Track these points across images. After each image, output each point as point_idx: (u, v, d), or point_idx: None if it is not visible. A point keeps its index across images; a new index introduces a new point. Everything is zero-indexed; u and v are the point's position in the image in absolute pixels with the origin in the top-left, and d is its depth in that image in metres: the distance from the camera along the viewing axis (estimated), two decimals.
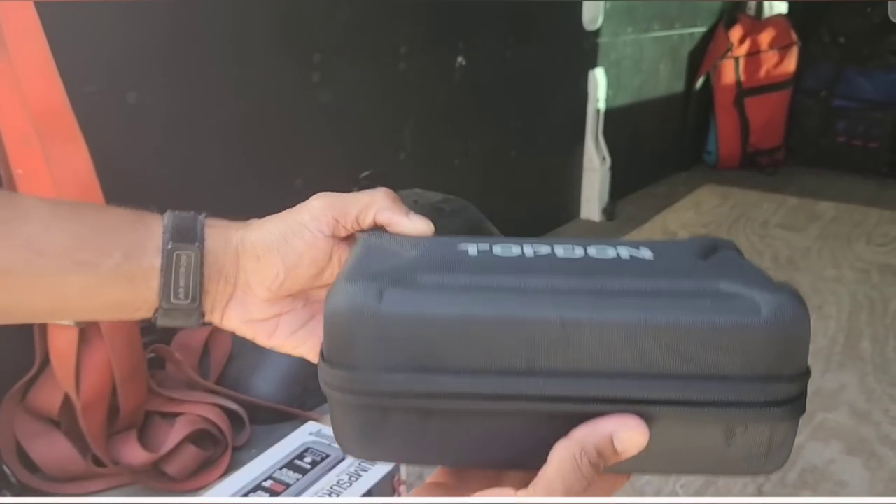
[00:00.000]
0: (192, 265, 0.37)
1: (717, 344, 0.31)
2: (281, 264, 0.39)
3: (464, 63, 2.00)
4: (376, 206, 0.39)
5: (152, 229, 0.37)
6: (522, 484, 0.31)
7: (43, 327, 1.14)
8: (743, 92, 3.09)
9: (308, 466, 0.58)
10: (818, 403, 0.77)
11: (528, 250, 0.35)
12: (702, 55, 3.09)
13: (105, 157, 1.16)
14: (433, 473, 0.36)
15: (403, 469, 0.61)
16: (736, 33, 3.04)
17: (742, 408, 0.32)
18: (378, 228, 0.39)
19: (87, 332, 1.12)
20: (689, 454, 0.33)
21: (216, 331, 1.37)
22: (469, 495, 0.33)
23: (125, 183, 1.28)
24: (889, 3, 1.49)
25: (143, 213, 0.39)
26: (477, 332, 0.31)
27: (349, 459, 0.58)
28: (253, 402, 1.30)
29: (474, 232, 1.84)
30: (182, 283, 0.36)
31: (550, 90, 2.37)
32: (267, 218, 0.41)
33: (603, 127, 2.54)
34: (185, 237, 0.37)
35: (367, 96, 1.75)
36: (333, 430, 0.34)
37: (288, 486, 0.56)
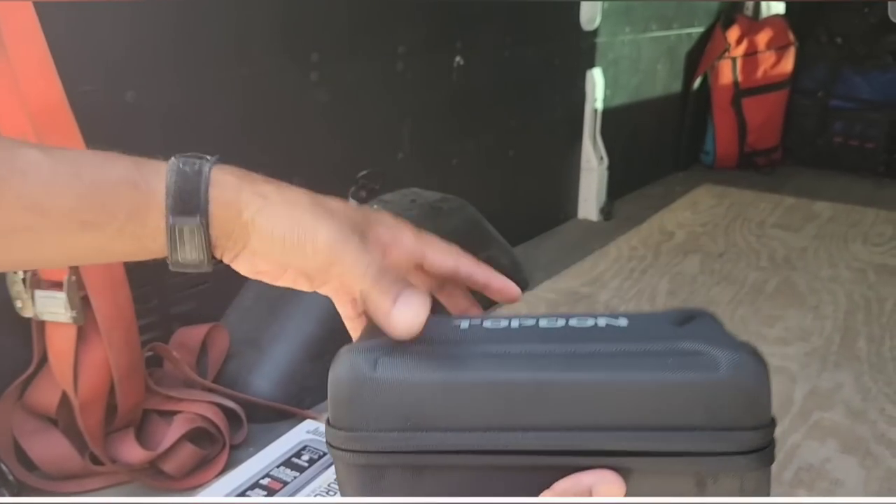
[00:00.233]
0: (196, 236, 0.36)
1: (680, 398, 0.34)
2: (285, 267, 0.39)
3: (462, 63, 2.00)
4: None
5: (154, 188, 0.36)
6: None
7: (41, 326, 1.14)
8: (740, 92, 3.10)
9: (305, 464, 0.58)
10: (814, 402, 0.77)
11: (515, 323, 0.38)
12: (699, 55, 3.10)
13: None
14: None
15: None
16: (733, 33, 3.05)
17: (708, 457, 0.34)
18: None
19: (85, 329, 1.12)
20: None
21: (214, 330, 1.37)
22: None
23: None
24: (889, 4, 1.50)
25: (145, 165, 0.37)
26: (460, 393, 0.35)
27: None
28: (250, 401, 1.30)
29: (472, 231, 1.85)
30: (188, 248, 0.36)
31: (548, 90, 2.38)
32: (284, 198, 0.38)
33: (600, 127, 2.54)
34: (188, 207, 0.36)
35: (365, 96, 1.75)
36: (338, 485, 0.37)
37: (285, 483, 0.56)
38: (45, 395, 1.15)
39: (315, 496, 0.54)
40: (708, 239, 1.25)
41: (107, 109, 1.26)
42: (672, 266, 1.13)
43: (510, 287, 0.42)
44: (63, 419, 1.16)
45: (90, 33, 1.22)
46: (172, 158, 0.38)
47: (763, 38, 3.08)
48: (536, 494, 0.33)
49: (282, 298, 1.43)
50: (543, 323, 0.38)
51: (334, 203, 0.40)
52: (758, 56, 3.08)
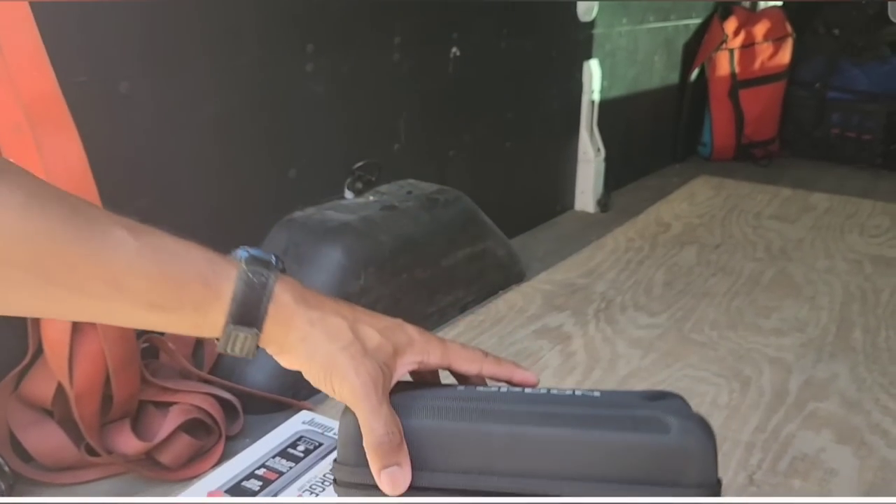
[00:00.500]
0: (249, 341, 0.41)
1: (634, 455, 0.39)
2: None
3: (458, 54, 2.00)
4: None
5: (222, 292, 0.40)
6: None
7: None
8: (737, 83, 3.09)
9: (301, 455, 0.58)
10: (809, 393, 0.77)
11: (504, 388, 0.44)
12: (697, 47, 3.10)
13: (97, 146, 1.16)
14: None
15: None
16: (731, 25, 3.04)
17: None
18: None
19: (79, 321, 1.12)
20: None
21: None
22: None
23: (117, 173, 1.28)
24: (889, 4, 1.49)
25: (217, 263, 0.41)
26: (446, 439, 0.41)
27: None
28: (246, 392, 1.30)
29: (468, 223, 1.85)
30: (238, 347, 0.41)
31: (545, 81, 2.37)
32: (327, 331, 0.42)
33: (597, 118, 2.54)
34: (247, 318, 0.40)
35: (361, 87, 1.75)
36: None
37: (281, 473, 0.56)
38: (41, 386, 1.15)
39: (310, 486, 0.54)
40: (705, 230, 1.25)
41: (101, 100, 1.26)
42: (669, 257, 1.13)
43: (529, 377, 0.47)
44: (59, 410, 1.16)
45: (83, 23, 1.22)
46: (242, 265, 0.41)
47: (760, 29, 3.07)
48: None
49: None
50: (528, 389, 0.44)
51: (371, 334, 0.43)
52: (755, 47, 3.07)
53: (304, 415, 0.61)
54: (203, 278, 0.39)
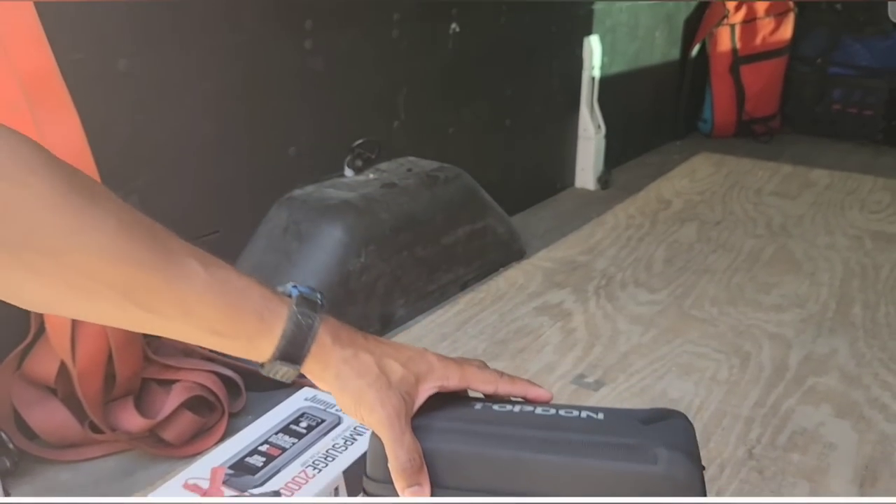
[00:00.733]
0: (290, 373, 0.46)
1: (623, 483, 0.43)
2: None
3: (457, 30, 1.98)
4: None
5: (274, 329, 0.46)
6: None
7: None
8: (738, 59, 3.07)
9: (304, 431, 0.58)
10: (809, 368, 0.78)
11: (517, 408, 0.49)
12: (698, 22, 3.07)
13: (96, 124, 1.15)
14: None
15: None
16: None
17: None
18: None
19: None
20: None
21: None
22: None
23: (115, 150, 1.27)
24: (889, 4, 1.49)
25: (273, 301, 0.46)
26: (459, 461, 0.46)
27: (344, 424, 0.58)
28: (248, 370, 1.30)
29: (469, 200, 1.85)
30: (280, 374, 0.47)
31: (545, 58, 2.36)
32: (357, 369, 0.47)
33: (598, 95, 2.52)
34: (292, 356, 0.46)
35: (360, 64, 1.73)
36: None
37: (284, 450, 0.56)
38: (44, 364, 1.16)
39: (313, 461, 0.55)
40: (705, 207, 1.25)
41: (99, 78, 1.25)
42: (669, 234, 1.13)
43: (542, 394, 0.51)
44: (62, 388, 1.17)
45: (80, 2, 1.20)
46: (293, 306, 0.46)
47: (762, 4, 3.05)
48: None
49: (279, 267, 1.43)
50: (538, 410, 0.48)
51: (395, 368, 0.48)
52: (756, 22, 3.05)
53: (305, 391, 0.61)
54: (259, 314, 0.45)
